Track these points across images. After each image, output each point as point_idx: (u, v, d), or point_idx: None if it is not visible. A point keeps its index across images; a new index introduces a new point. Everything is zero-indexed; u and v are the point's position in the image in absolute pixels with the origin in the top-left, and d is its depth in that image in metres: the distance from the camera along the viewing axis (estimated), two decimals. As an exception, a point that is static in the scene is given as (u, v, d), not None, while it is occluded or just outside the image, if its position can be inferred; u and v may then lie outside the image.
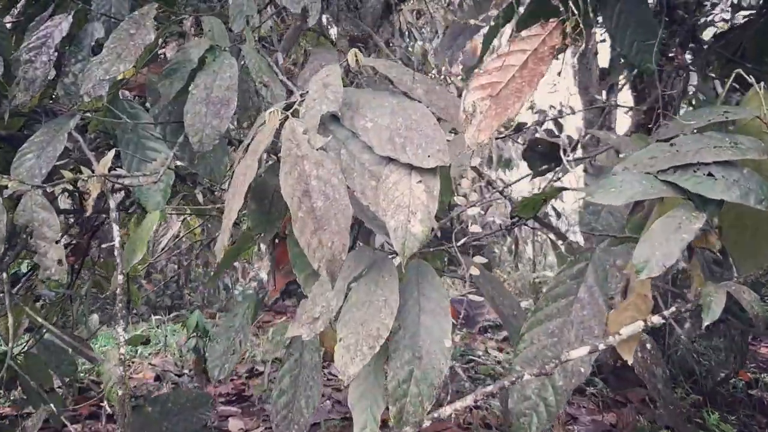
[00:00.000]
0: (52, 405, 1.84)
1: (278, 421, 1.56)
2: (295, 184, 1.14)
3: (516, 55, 0.94)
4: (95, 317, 4.34)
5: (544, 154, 1.74)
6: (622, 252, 1.34)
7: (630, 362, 1.01)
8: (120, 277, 1.35)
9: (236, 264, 8.37)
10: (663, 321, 0.96)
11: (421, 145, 1.18)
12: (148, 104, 1.80)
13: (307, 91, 1.36)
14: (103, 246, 3.49)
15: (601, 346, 0.98)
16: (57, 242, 1.27)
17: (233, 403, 3.71)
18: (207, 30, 1.54)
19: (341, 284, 1.25)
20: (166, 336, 5.16)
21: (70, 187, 1.37)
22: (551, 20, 0.94)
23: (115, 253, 1.37)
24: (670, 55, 1.88)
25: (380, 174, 1.20)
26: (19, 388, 3.42)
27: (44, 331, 2.90)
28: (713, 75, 1.97)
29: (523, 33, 0.95)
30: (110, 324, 5.95)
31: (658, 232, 0.89)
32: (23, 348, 3.00)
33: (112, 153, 1.42)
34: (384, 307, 1.20)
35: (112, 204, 1.42)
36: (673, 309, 0.96)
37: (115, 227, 1.41)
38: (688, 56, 2.12)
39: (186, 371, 4.41)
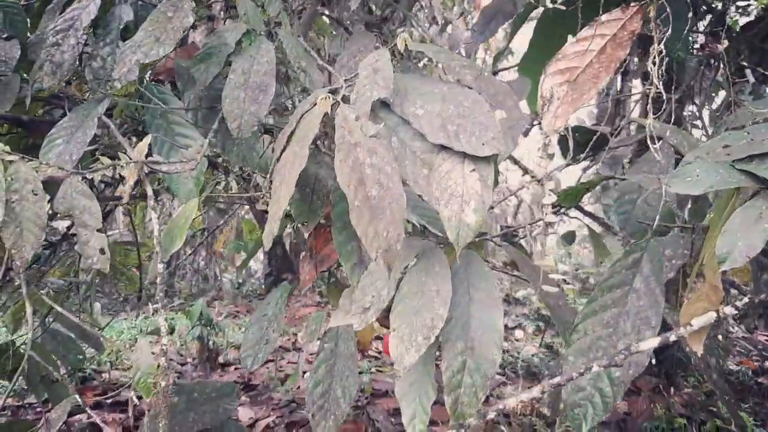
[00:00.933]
0: (76, 396, 1.81)
1: (314, 411, 1.54)
2: (350, 173, 1.12)
3: (595, 40, 0.92)
4: (97, 306, 4.30)
5: (578, 142, 1.73)
6: (671, 241, 1.33)
7: (699, 353, 1.00)
8: (160, 266, 1.33)
9: (224, 252, 8.35)
10: (735, 312, 0.95)
11: (474, 133, 1.16)
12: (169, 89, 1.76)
13: (352, 77, 1.33)
14: (108, 234, 3.44)
15: (672, 338, 0.97)
16: (99, 230, 1.24)
17: (241, 392, 3.68)
18: (242, 13, 1.51)
19: (392, 274, 1.23)
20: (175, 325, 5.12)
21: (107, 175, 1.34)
22: (633, 4, 0.92)
23: (155, 241, 1.34)
24: (701, 43, 1.87)
25: (432, 162, 1.18)
26: (20, 378, 3.37)
27: (51, 320, 2.88)
28: (745, 63, 1.97)
29: (604, 17, 0.93)
30: (104, 312, 5.90)
31: (739, 222, 0.87)
32: (27, 337, 2.97)
33: (148, 139, 1.39)
34: (436, 297, 1.18)
35: (149, 191, 1.39)
36: (745, 299, 0.94)
37: (153, 215, 1.38)
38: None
39: (189, 360, 4.38)
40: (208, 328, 4.02)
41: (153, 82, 1.69)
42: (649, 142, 0.98)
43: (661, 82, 0.94)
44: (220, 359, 4.26)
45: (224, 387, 1.92)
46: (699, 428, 2.71)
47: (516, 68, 2.78)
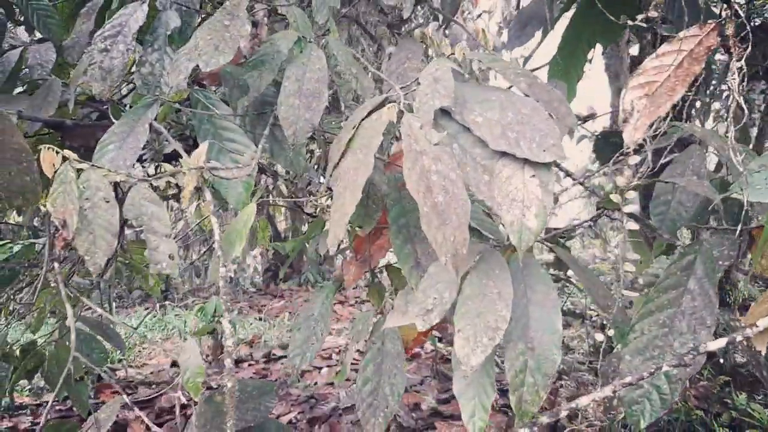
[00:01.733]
0: (124, 396, 1.83)
1: (364, 409, 1.58)
2: (418, 180, 1.15)
3: (672, 56, 0.96)
4: (112, 304, 4.31)
5: (618, 145, 1.77)
6: (717, 243, 1.37)
7: (764, 352, 1.04)
8: (222, 270, 1.36)
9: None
10: (800, 313, 0.99)
11: (534, 140, 1.20)
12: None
13: (408, 84, 1.37)
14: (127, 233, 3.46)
15: (739, 338, 1.01)
16: (168, 236, 1.27)
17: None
18: (292, 21, 1.54)
19: (453, 277, 1.27)
20: (185, 322, 5.14)
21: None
22: (710, 22, 0.96)
23: (216, 245, 1.37)
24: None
25: (493, 168, 1.21)
26: (39, 376, 3.40)
27: (75, 318, 2.90)
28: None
29: (682, 34, 0.97)
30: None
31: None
32: (49, 337, 3.01)
33: (205, 145, 1.42)
34: (498, 299, 1.22)
35: (209, 197, 1.42)
36: (810, 302, 0.99)
37: (214, 220, 1.41)
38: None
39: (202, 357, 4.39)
40: (222, 324, 4.04)
41: (197, 87, 1.72)
42: (731, 153, 1.02)
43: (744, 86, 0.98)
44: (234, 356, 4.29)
45: (264, 385, 1.96)
46: (715, 419, 2.77)
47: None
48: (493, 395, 1.29)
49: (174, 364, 4.20)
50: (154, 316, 5.63)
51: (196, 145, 1.64)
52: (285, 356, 4.28)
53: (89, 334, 2.99)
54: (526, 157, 1.18)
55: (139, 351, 4.55)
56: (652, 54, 0.95)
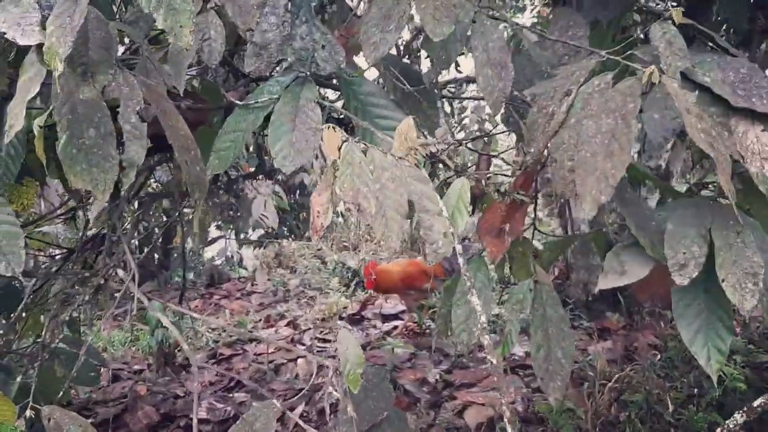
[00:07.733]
0: (274, 401, 1.68)
1: (542, 374, 1.61)
2: (698, 135, 1.20)
3: None
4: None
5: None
6: None
7: None
8: (458, 247, 1.32)
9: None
10: None
11: (762, 96, 1.30)
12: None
13: (616, 49, 1.41)
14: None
15: None
16: (439, 214, 1.20)
17: (238, 386, 3.51)
18: (461, -5, 1.50)
19: (699, 231, 1.34)
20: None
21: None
22: None
23: (444, 221, 1.32)
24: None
25: (728, 124, 1.31)
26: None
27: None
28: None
29: None
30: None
31: None
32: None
33: (410, 119, 1.34)
34: (745, 247, 1.31)
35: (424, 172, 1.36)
36: None
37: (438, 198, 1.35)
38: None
39: (139, 367, 4.01)
40: (165, 330, 3.74)
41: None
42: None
43: None
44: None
45: (378, 371, 1.90)
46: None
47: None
48: (729, 339, 1.38)
49: (116, 378, 3.79)
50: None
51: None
52: (237, 354, 4.06)
53: (73, 352, 2.68)
54: (765, 112, 1.28)
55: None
56: None
